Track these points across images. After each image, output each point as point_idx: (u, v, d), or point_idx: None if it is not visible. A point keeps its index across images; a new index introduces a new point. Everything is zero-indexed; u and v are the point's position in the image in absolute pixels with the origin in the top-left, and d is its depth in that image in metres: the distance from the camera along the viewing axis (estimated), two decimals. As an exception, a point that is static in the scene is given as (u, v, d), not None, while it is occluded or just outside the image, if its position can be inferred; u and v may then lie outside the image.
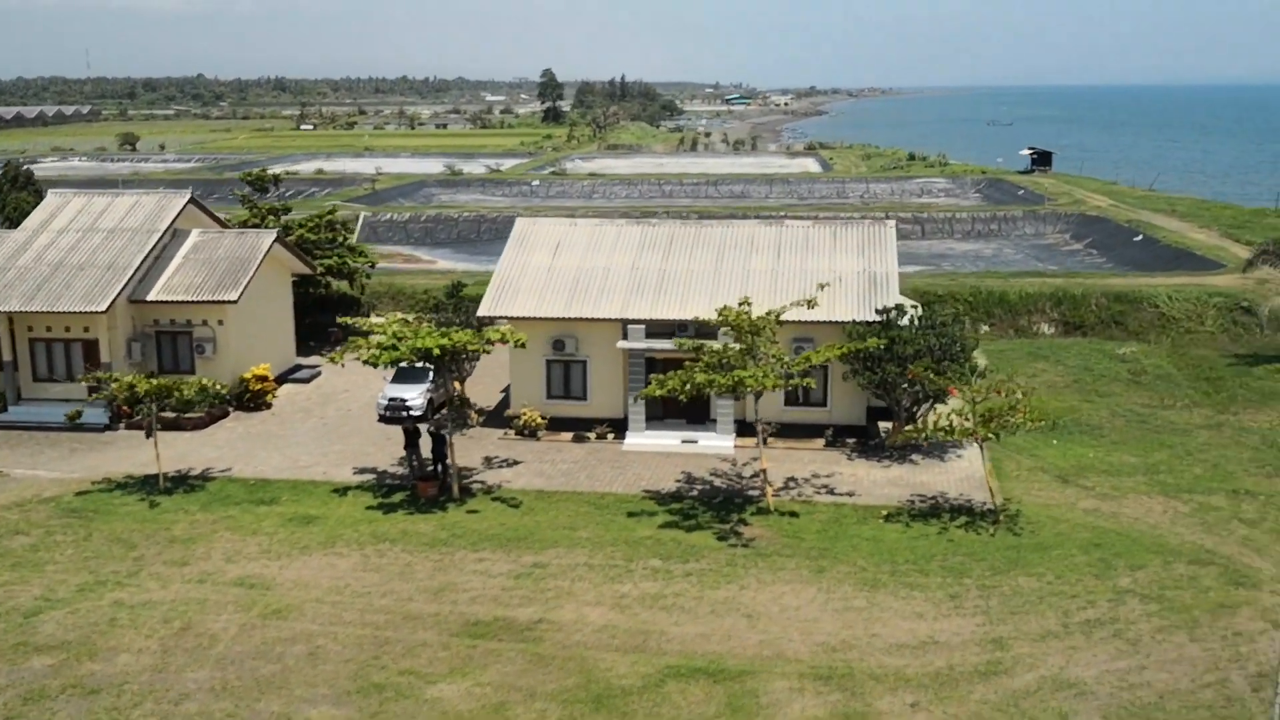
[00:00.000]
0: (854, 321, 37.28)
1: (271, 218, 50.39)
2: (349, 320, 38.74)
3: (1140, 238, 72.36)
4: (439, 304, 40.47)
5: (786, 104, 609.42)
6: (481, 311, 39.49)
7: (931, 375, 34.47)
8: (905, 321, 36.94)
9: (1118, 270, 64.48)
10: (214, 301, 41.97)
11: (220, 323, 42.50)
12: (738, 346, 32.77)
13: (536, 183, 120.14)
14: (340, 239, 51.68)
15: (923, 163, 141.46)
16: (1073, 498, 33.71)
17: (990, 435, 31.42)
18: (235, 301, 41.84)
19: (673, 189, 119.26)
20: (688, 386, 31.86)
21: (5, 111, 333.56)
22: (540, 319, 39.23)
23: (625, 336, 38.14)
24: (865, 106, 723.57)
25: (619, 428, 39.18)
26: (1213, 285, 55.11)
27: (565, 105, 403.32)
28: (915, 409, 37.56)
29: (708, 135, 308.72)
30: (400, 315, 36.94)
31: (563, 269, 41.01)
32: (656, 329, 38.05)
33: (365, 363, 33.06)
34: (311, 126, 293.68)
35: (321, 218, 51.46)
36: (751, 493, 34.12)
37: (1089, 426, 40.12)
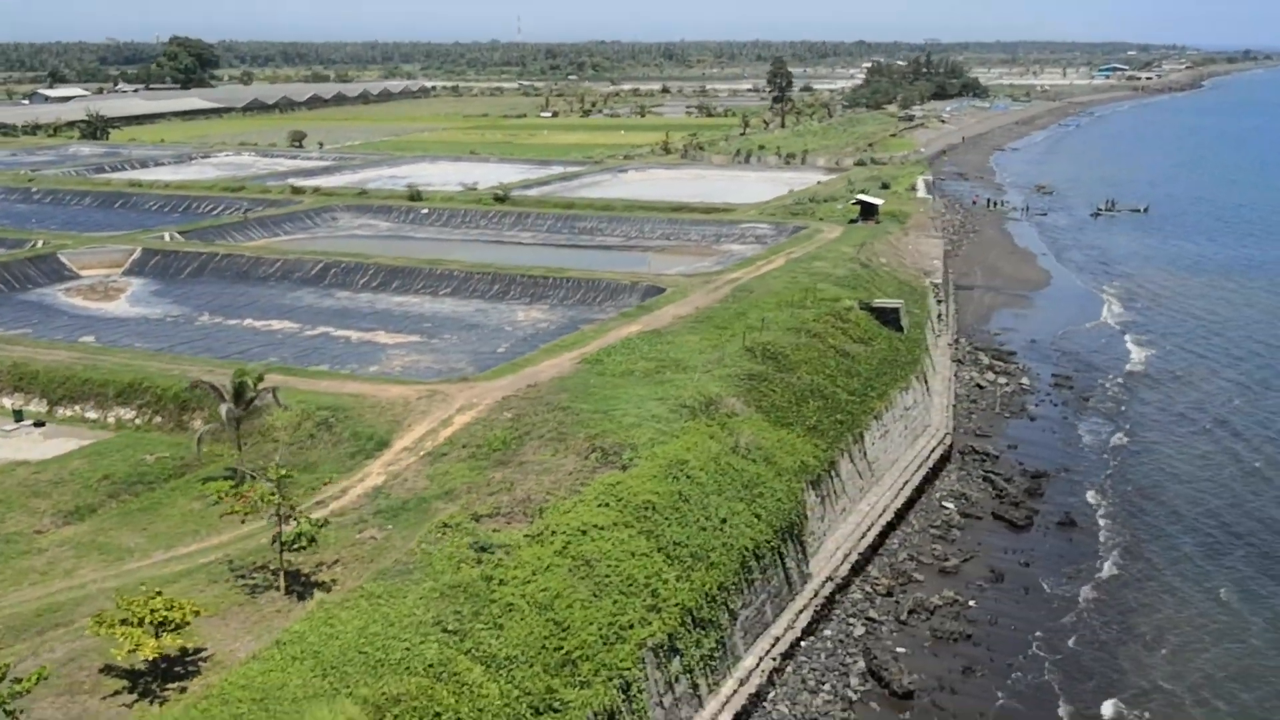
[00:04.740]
0: None
1: None
2: None
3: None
4: None
5: (1151, 78, 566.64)
6: None
7: None
8: None
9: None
10: None
11: None
12: None
13: (425, 210, 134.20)
14: None
15: (885, 191, 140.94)
16: None
17: None
18: None
19: (532, 220, 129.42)
20: None
21: (324, 90, 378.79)
22: None
23: None
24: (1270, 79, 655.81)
25: None
26: (379, 395, 62.33)
27: (850, 75, 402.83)
28: None
29: (942, 123, 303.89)
30: None
31: None
32: None
33: None
34: (551, 114, 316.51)
35: None
36: None
37: None
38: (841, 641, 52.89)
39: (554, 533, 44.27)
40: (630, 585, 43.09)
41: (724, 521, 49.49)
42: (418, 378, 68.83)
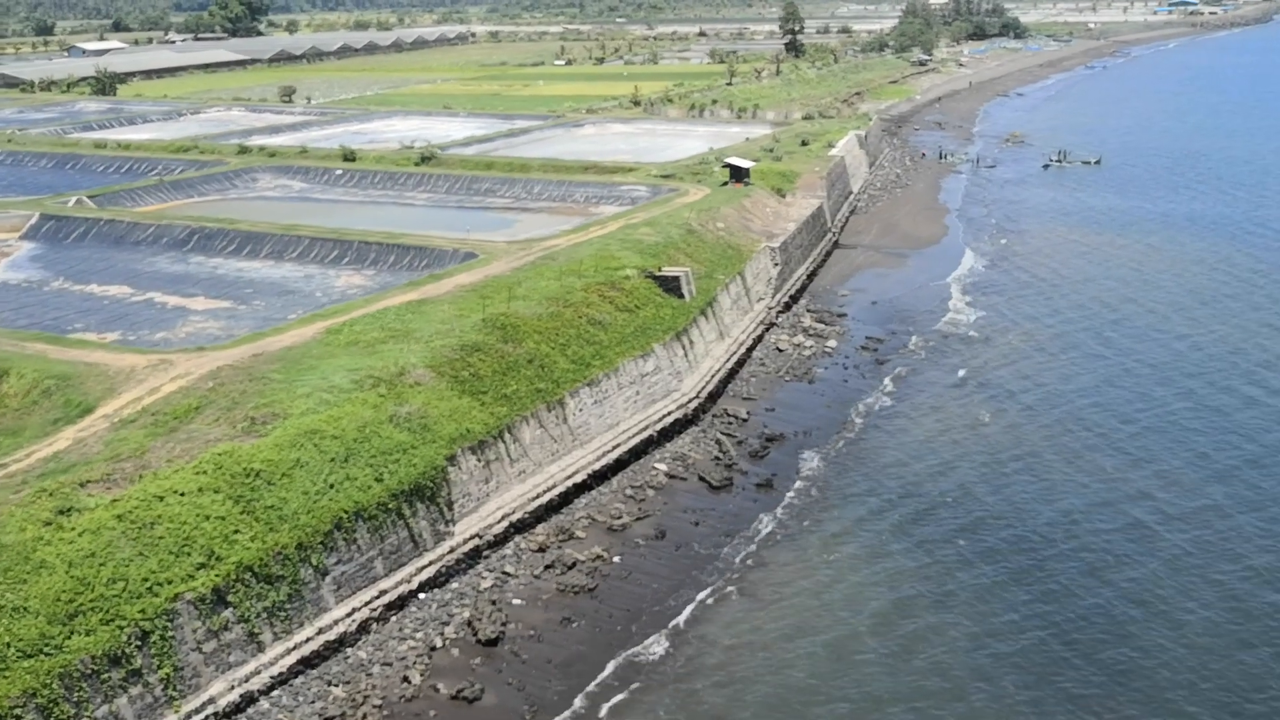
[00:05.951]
0: None
1: None
2: None
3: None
4: None
5: (1215, 13, 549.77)
6: None
7: None
8: None
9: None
10: None
11: None
12: None
13: (339, 171, 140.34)
14: None
15: (801, 150, 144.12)
16: None
17: None
18: None
19: (434, 181, 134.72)
20: None
21: (355, 40, 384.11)
22: None
23: None
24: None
25: None
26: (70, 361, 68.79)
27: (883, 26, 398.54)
28: None
29: (960, 66, 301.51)
30: None
31: None
32: None
33: None
34: (565, 62, 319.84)
35: None
36: None
37: None
38: (462, 594, 58.15)
39: (130, 498, 50.10)
40: (184, 545, 48.83)
41: (331, 486, 54.85)
42: (182, 345, 74.77)
